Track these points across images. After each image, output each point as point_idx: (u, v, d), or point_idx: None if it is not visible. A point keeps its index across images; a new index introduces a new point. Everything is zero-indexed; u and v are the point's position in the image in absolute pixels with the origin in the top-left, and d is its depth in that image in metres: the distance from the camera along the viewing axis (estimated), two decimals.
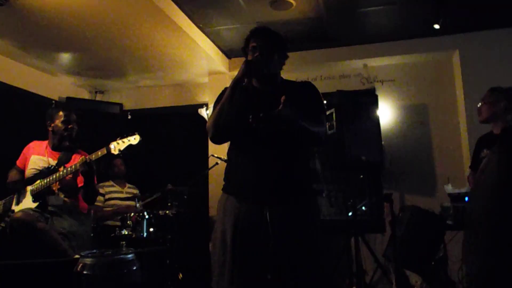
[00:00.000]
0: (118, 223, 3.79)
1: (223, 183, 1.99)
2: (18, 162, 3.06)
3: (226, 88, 1.93)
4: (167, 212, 3.79)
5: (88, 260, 1.54)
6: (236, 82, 1.83)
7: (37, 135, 3.15)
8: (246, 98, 1.87)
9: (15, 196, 2.96)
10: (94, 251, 1.65)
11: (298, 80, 2.10)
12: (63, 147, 3.00)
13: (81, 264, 1.54)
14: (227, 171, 1.98)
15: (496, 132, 2.78)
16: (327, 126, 3.82)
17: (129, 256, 1.62)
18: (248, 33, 1.98)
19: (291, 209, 1.82)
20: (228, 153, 2.00)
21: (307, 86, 2.01)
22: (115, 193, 4.32)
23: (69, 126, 2.97)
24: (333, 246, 4.31)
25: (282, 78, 2.04)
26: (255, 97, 1.91)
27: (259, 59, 1.86)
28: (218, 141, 1.96)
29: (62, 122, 2.95)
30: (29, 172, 2.95)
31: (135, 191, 4.42)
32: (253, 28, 1.99)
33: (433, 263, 3.21)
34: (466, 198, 3.18)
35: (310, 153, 2.05)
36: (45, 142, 3.05)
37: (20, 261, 2.39)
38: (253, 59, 1.86)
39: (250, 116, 1.75)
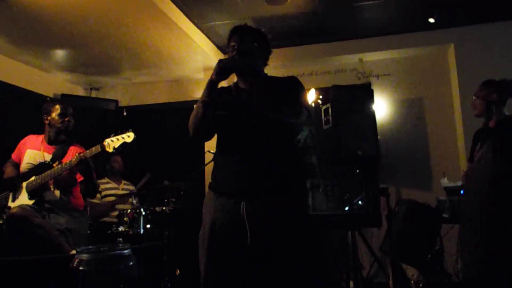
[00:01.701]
0: (115, 220, 3.78)
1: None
2: (13, 156, 3.05)
3: (222, 87, 1.95)
4: (164, 208, 3.79)
5: (84, 256, 1.53)
6: (210, 82, 1.83)
7: (31, 132, 3.13)
8: (232, 98, 1.90)
9: (11, 192, 2.94)
10: (90, 247, 1.65)
11: (285, 76, 2.07)
12: (59, 140, 2.99)
13: (77, 260, 1.54)
14: (213, 168, 1.98)
15: (491, 125, 2.79)
16: (324, 120, 3.82)
17: (126, 251, 1.61)
18: (229, 32, 1.99)
19: (270, 204, 1.78)
20: (216, 150, 2.02)
21: (290, 80, 2.00)
22: (111, 190, 4.31)
23: (66, 119, 2.97)
24: (330, 241, 4.33)
25: (266, 74, 2.03)
26: (241, 96, 1.92)
27: (231, 58, 1.86)
28: (198, 140, 2.00)
29: (59, 115, 2.95)
30: (24, 166, 2.94)
31: (131, 188, 4.41)
32: (233, 26, 1.99)
33: (429, 256, 3.22)
34: (462, 192, 3.20)
35: (294, 147, 2.02)
36: (41, 136, 3.04)
37: (16, 258, 2.38)
38: (225, 58, 1.86)
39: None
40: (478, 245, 2.46)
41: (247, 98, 1.89)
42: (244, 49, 1.89)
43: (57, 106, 2.99)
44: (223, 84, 1.96)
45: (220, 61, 1.82)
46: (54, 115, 2.96)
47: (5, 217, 2.71)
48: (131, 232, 3.56)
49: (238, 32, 1.95)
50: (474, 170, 2.51)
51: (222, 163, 1.92)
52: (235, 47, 1.90)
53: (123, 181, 4.48)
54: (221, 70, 1.79)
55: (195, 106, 1.92)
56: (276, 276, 1.74)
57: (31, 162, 2.93)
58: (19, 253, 2.50)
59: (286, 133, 1.92)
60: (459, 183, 3.37)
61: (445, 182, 3.51)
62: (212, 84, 1.83)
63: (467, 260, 2.67)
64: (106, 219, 4.09)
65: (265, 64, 2.03)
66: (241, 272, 1.75)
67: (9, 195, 2.95)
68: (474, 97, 2.88)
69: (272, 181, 1.81)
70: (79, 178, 2.96)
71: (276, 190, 1.81)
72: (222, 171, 1.90)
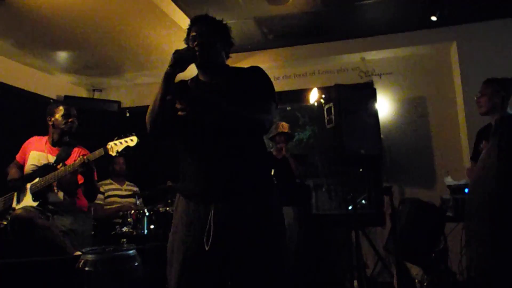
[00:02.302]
0: (119, 221, 3.79)
1: None
2: (17, 157, 3.06)
3: (181, 81, 1.82)
4: (168, 208, 3.79)
5: (89, 257, 1.53)
6: (165, 75, 1.68)
7: (35, 134, 3.14)
8: (193, 93, 1.75)
9: (15, 193, 2.96)
10: (96, 247, 1.65)
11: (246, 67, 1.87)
12: (63, 142, 3.00)
13: (82, 261, 1.54)
14: (180, 168, 1.84)
15: (496, 123, 2.78)
16: (327, 119, 3.81)
17: (131, 252, 1.62)
18: (189, 23, 1.86)
19: (238, 206, 1.67)
20: (179, 150, 1.86)
21: (254, 71, 1.85)
22: (115, 191, 4.32)
23: (70, 120, 2.97)
24: (334, 240, 4.33)
25: (228, 66, 1.90)
26: (202, 90, 1.79)
27: (188, 49, 1.73)
28: (155, 137, 1.82)
29: (63, 116, 2.96)
30: (28, 168, 2.95)
31: (135, 189, 4.42)
32: (194, 16, 1.87)
33: (433, 255, 3.22)
34: (466, 190, 3.19)
35: (261, 142, 1.85)
36: (45, 138, 3.04)
37: (22, 259, 2.39)
38: (182, 49, 1.72)
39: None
40: (483, 243, 2.45)
41: (207, 91, 1.75)
42: (204, 40, 1.77)
43: (61, 108, 3.00)
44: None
45: (175, 51, 1.68)
46: (57, 116, 2.96)
47: (9, 219, 2.73)
48: (135, 232, 3.56)
49: (198, 22, 1.83)
50: (480, 168, 2.50)
51: (186, 163, 1.79)
52: (195, 38, 1.78)
53: (127, 182, 4.49)
54: (177, 61, 1.66)
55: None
56: (243, 283, 1.67)
57: (35, 163, 2.93)
58: (24, 255, 2.51)
59: (251, 128, 1.77)
60: (463, 182, 3.36)
61: (448, 180, 3.50)
62: (167, 77, 1.67)
63: (471, 259, 2.66)
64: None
65: (227, 57, 1.91)
66: (212, 280, 1.67)
67: (13, 196, 2.97)
68: (478, 95, 2.87)
69: (239, 181, 1.70)
70: (80, 180, 2.96)
71: (244, 191, 1.71)
72: (186, 173, 1.78)
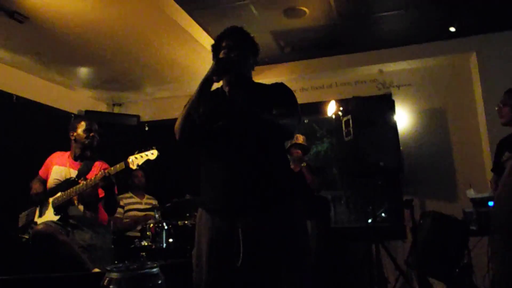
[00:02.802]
0: (138, 234, 3.81)
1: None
2: (40, 172, 3.11)
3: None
4: (186, 222, 3.80)
5: (114, 275, 1.54)
6: (205, 81, 1.72)
7: (57, 148, 3.20)
8: (217, 102, 1.80)
9: (37, 207, 3.01)
10: (120, 265, 1.66)
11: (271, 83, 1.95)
12: (85, 156, 3.05)
13: (107, 279, 1.55)
14: (201, 181, 1.81)
15: None
16: (345, 132, 3.79)
17: (154, 270, 1.62)
18: (221, 32, 1.90)
19: (266, 219, 1.66)
20: (201, 161, 1.83)
21: (278, 86, 1.89)
22: (134, 205, 4.35)
23: (91, 135, 3.02)
24: (354, 254, 4.26)
25: (253, 81, 1.93)
26: (226, 101, 1.83)
27: (232, 58, 1.76)
28: (185, 144, 1.81)
29: (84, 130, 3.01)
30: (51, 182, 3.00)
31: (154, 202, 4.45)
32: (228, 27, 1.91)
33: (457, 270, 3.13)
34: (490, 203, 3.11)
35: (284, 154, 1.90)
36: (67, 153, 3.10)
37: (42, 275, 2.42)
38: (225, 57, 1.77)
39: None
40: (509, 257, 2.38)
41: (237, 102, 1.78)
42: (243, 52, 1.81)
43: (83, 123, 3.05)
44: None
45: (219, 59, 1.73)
46: (79, 131, 3.02)
47: (31, 233, 2.77)
48: (153, 246, 3.57)
49: (236, 33, 1.87)
50: (507, 180, 2.44)
51: (209, 175, 1.77)
52: (233, 48, 1.80)
53: (146, 196, 4.52)
54: (219, 69, 1.70)
55: (184, 107, 1.80)
56: None
57: (58, 178, 2.98)
58: (44, 269, 2.53)
59: (276, 139, 1.80)
60: (486, 194, 3.28)
61: (471, 193, 3.42)
62: (206, 82, 1.71)
63: (498, 274, 2.58)
64: (129, 233, 4.12)
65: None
66: None
67: (35, 211, 3.02)
68: (500, 105, 2.82)
69: (264, 193, 1.68)
70: (101, 193, 2.99)
71: (271, 204, 1.69)
72: (209, 186, 1.76)
